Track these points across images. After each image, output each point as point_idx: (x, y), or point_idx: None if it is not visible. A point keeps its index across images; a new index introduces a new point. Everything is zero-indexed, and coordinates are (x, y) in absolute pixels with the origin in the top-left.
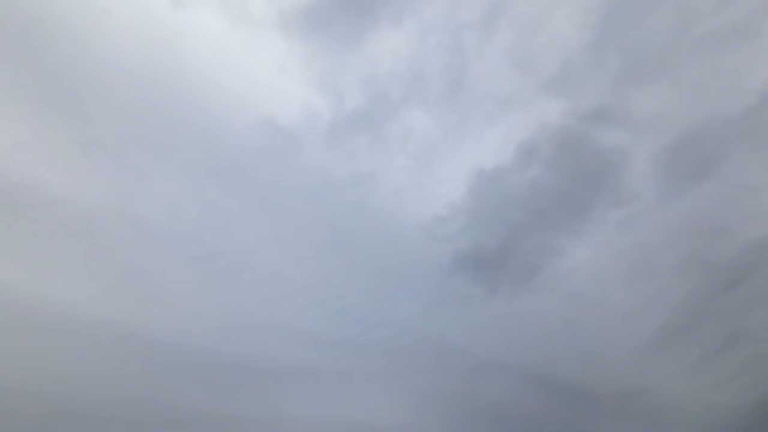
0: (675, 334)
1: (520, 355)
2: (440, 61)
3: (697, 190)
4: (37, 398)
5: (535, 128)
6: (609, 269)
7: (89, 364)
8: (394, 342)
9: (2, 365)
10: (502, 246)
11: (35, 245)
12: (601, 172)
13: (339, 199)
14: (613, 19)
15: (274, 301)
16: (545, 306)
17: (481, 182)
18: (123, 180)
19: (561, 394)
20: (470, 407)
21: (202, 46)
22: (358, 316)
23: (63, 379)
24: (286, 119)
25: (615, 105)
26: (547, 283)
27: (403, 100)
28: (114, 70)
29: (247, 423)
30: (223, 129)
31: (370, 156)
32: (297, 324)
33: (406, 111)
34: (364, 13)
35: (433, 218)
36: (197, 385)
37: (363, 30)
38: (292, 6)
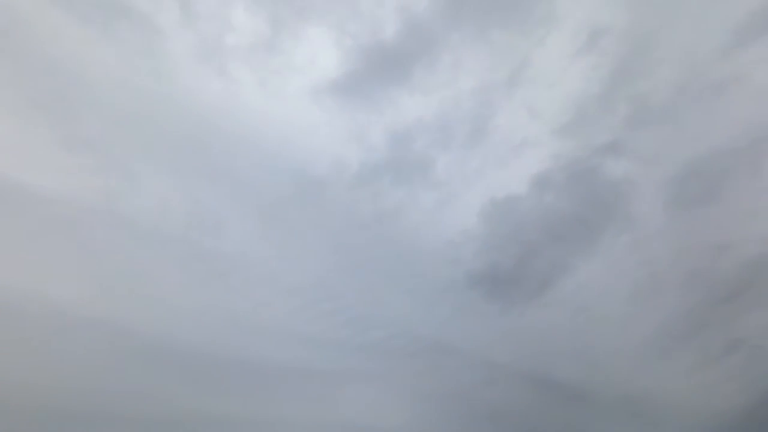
0: (676, 342)
1: (532, 362)
2: (466, 114)
3: (700, 214)
4: (23, 396)
5: (549, 162)
6: (615, 285)
7: (76, 364)
8: (407, 349)
9: None
10: (516, 265)
11: (21, 244)
12: (610, 199)
13: (361, 235)
14: (621, 73)
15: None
16: (554, 318)
17: (496, 210)
18: (112, 179)
19: (567, 397)
20: (483, 410)
21: (242, 109)
22: (383, 336)
23: (51, 378)
24: (315, 170)
25: (624, 140)
26: (557, 298)
27: (427, 147)
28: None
29: (241, 423)
30: (254, 180)
31: (393, 195)
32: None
33: (428, 155)
34: (393, 78)
35: (447, 243)
36: (189, 385)
37: (392, 90)
38: (324, 79)
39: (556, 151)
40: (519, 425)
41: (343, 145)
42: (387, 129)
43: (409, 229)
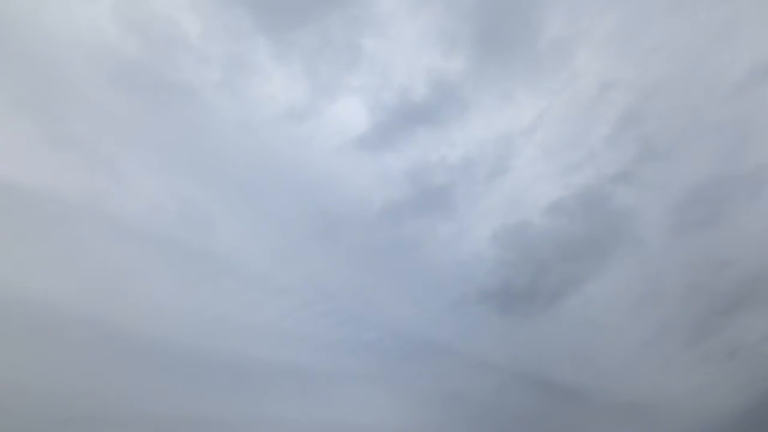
0: (677, 350)
1: (542, 368)
2: (487, 156)
3: (701, 235)
4: (7, 395)
5: (562, 191)
6: (620, 299)
7: (61, 363)
8: (425, 356)
9: None
10: (529, 281)
11: (6, 242)
12: (619, 223)
13: (383, 262)
14: (628, 118)
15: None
16: (563, 329)
17: (509, 235)
18: (98, 177)
19: (575, 401)
20: (494, 413)
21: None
22: (404, 345)
23: (38, 376)
24: (340, 207)
25: (632, 171)
26: (565, 311)
27: (448, 186)
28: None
29: (232, 424)
30: (285, 217)
31: (415, 225)
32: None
33: (449, 191)
34: (419, 128)
35: (462, 264)
36: (178, 386)
37: (417, 137)
38: (355, 133)
39: (568, 182)
40: (528, 426)
41: (369, 185)
42: (410, 170)
43: (427, 255)
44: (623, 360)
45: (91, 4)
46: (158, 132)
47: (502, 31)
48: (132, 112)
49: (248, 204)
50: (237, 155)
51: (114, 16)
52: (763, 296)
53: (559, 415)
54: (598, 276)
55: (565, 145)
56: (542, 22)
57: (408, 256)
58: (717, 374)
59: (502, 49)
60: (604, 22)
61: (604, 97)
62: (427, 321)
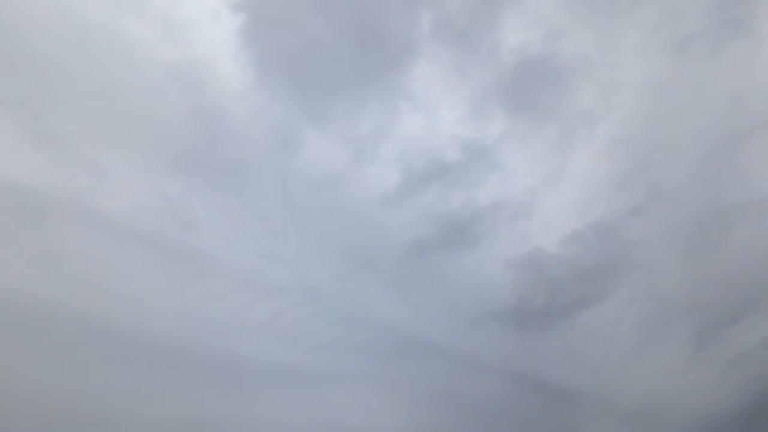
0: (679, 359)
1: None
2: (509, 204)
3: (705, 258)
4: None
5: (579, 224)
6: (626, 316)
7: (46, 361)
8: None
9: None
10: (546, 301)
11: None
12: (629, 249)
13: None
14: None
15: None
16: (572, 340)
17: (530, 262)
18: (79, 174)
19: (584, 405)
20: (507, 414)
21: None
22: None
23: (22, 375)
24: (368, 249)
25: (643, 207)
26: (577, 326)
27: (474, 226)
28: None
29: (224, 424)
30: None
31: (440, 258)
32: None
33: (475, 232)
34: (446, 182)
35: (482, 286)
36: (168, 386)
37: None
38: (387, 192)
39: (585, 217)
40: (529, 426)
41: (398, 228)
42: (438, 215)
43: (451, 282)
44: (628, 367)
45: None
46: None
47: (536, 99)
48: None
49: (307, 245)
50: (290, 213)
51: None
52: (757, 309)
53: (557, 415)
54: (608, 296)
55: (583, 190)
56: (573, 93)
57: (432, 283)
58: (715, 378)
59: (536, 116)
60: (625, 96)
61: (619, 150)
62: (449, 336)
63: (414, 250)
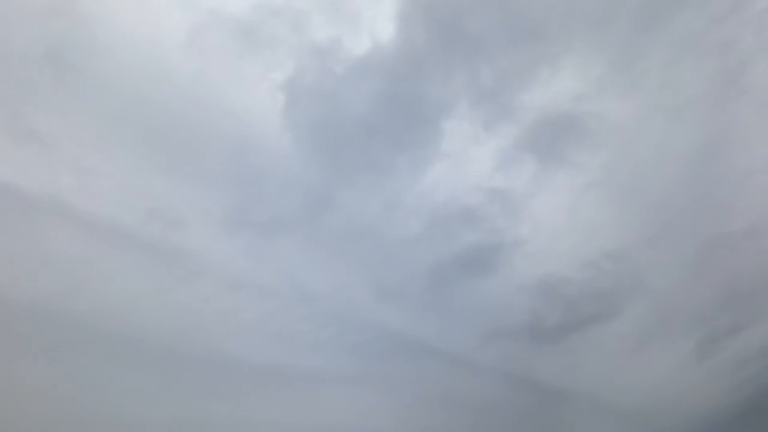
0: (679, 365)
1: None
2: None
3: (706, 279)
4: None
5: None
6: (631, 330)
7: (31, 363)
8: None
9: None
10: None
11: None
12: (635, 273)
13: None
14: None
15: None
16: (579, 352)
17: (544, 286)
18: (62, 173)
19: (591, 409)
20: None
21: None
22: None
23: (5, 377)
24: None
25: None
26: (584, 341)
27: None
28: None
29: (216, 426)
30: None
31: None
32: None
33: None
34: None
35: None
36: (158, 387)
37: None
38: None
39: (598, 246)
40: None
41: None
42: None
43: (468, 304)
44: (630, 374)
45: None
46: None
47: (559, 152)
48: None
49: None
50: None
51: None
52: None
53: (551, 415)
54: (615, 314)
55: (597, 225)
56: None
57: (450, 305)
58: (713, 382)
59: (561, 162)
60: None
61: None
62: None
63: (434, 277)
